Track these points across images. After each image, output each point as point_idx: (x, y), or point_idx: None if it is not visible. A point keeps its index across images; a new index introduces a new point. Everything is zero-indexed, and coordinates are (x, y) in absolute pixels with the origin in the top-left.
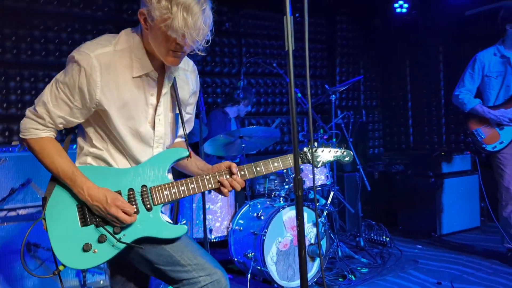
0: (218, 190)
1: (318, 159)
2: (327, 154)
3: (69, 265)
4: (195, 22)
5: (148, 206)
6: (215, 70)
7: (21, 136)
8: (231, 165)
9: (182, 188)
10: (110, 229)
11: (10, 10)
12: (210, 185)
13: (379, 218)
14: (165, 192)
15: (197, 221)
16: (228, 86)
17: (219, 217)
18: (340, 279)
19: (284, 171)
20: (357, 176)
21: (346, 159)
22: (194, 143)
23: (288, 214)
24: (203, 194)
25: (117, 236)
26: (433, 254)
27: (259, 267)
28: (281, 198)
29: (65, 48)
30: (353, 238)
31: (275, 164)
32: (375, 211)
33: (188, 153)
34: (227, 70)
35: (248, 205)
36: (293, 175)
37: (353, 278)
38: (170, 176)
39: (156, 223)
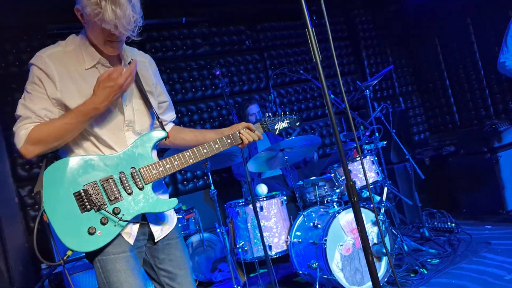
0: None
1: (275, 127)
2: (281, 123)
3: (78, 249)
4: (124, 12)
5: (140, 185)
6: (244, 88)
7: (20, 149)
8: (248, 125)
9: (168, 165)
10: (110, 210)
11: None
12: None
13: (439, 205)
14: (154, 171)
15: (255, 240)
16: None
17: (276, 233)
18: (411, 275)
19: (332, 175)
20: (408, 166)
21: (297, 123)
22: (238, 163)
23: (345, 218)
24: (256, 212)
25: (118, 216)
26: (505, 233)
27: (326, 276)
28: (334, 203)
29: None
30: (416, 230)
31: (228, 141)
32: (433, 198)
33: (165, 133)
34: (255, 86)
35: (302, 216)
36: (342, 178)
37: (425, 272)
38: (155, 157)
39: (150, 200)
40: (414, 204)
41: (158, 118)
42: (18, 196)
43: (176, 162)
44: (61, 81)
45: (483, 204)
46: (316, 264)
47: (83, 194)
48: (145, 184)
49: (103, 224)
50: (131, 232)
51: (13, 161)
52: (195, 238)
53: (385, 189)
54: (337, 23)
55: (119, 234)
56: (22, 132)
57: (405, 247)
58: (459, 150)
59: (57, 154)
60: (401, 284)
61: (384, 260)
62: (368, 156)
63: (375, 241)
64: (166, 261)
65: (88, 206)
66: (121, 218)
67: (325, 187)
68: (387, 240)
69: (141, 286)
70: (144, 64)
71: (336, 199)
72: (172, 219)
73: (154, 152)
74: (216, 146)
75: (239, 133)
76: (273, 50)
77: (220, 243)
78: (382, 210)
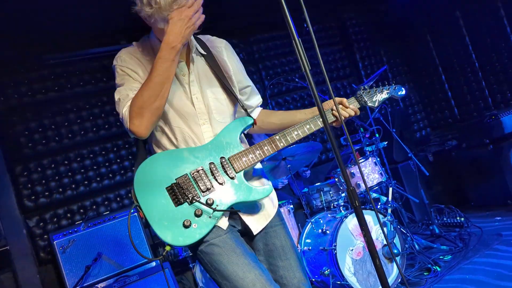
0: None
1: (374, 99)
2: (380, 94)
3: (175, 243)
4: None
5: (232, 175)
6: None
7: (129, 128)
8: (342, 100)
9: (258, 151)
10: (203, 201)
11: (26, 105)
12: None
13: (447, 200)
14: (244, 159)
15: None
16: None
17: None
18: (425, 273)
19: (336, 179)
20: (411, 164)
21: (399, 92)
22: None
23: (353, 221)
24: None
25: (212, 206)
26: None
27: (339, 282)
28: (341, 207)
29: (100, 122)
30: (426, 228)
31: (321, 120)
32: (440, 194)
33: (252, 119)
34: None
35: (310, 223)
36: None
37: (438, 269)
38: (243, 144)
39: (243, 188)
40: (421, 201)
41: (242, 105)
42: (26, 227)
43: (266, 148)
44: (141, 72)
45: (491, 196)
46: (328, 270)
47: (175, 187)
48: (236, 173)
49: (198, 216)
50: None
51: (19, 193)
52: None
53: (390, 189)
54: (328, 28)
55: (215, 226)
56: (124, 111)
57: (416, 246)
58: (461, 144)
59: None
60: (415, 284)
61: (397, 260)
62: (370, 158)
63: (385, 242)
64: (265, 252)
65: (181, 199)
66: (216, 208)
67: (331, 192)
68: (396, 240)
69: (246, 260)
70: (220, 50)
71: (342, 203)
72: (270, 208)
73: (243, 139)
74: (308, 126)
75: (332, 110)
76: (267, 60)
77: None
78: (389, 210)
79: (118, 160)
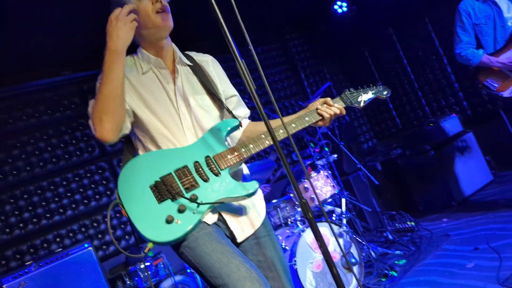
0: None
1: (359, 99)
2: (365, 94)
3: (157, 239)
4: None
5: (216, 171)
6: None
7: (97, 137)
8: (326, 100)
9: (243, 149)
10: (187, 197)
11: None
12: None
13: (397, 206)
14: (229, 156)
15: None
16: None
17: None
18: (383, 279)
19: (292, 195)
20: (361, 174)
21: (385, 92)
22: None
23: (311, 235)
24: None
25: (197, 201)
26: (460, 223)
27: None
28: (298, 222)
29: (46, 156)
30: (380, 235)
31: (306, 119)
32: (391, 201)
33: (238, 121)
34: None
35: None
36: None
37: (395, 274)
38: (229, 144)
39: (228, 184)
40: (374, 210)
41: (230, 112)
42: None
43: (251, 145)
44: (126, 91)
45: (437, 199)
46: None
47: (158, 185)
48: (221, 170)
49: (181, 212)
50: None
51: None
52: (167, 283)
53: (344, 200)
54: (273, 49)
55: (200, 222)
56: (89, 122)
57: (373, 253)
58: (405, 152)
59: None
60: None
61: (355, 269)
62: (322, 171)
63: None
64: (254, 263)
65: (165, 196)
66: (201, 202)
67: (287, 208)
68: (354, 249)
69: (230, 249)
70: (206, 62)
71: (299, 218)
72: (256, 218)
73: (229, 140)
74: (293, 125)
75: (317, 109)
76: None
77: (193, 283)
78: (344, 221)
79: (69, 194)
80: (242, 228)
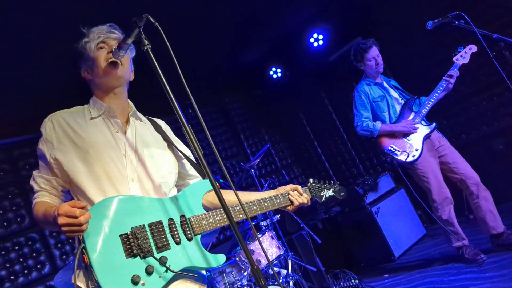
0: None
1: (321, 194)
2: (327, 190)
3: None
4: (97, 28)
5: (189, 236)
6: None
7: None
8: (296, 187)
9: (218, 218)
10: (157, 257)
11: None
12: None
13: (341, 264)
14: (204, 222)
15: None
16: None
17: None
18: None
19: (237, 258)
20: (304, 234)
21: (342, 193)
22: None
23: None
24: None
25: (166, 265)
26: (401, 278)
27: None
28: (245, 287)
29: None
30: None
31: (277, 201)
32: (334, 259)
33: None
34: None
35: None
36: (246, 260)
37: None
38: (204, 208)
39: (198, 253)
40: (318, 269)
41: (189, 161)
42: None
43: (225, 216)
44: (59, 139)
45: (376, 255)
46: None
47: (130, 237)
48: (194, 235)
49: (148, 273)
50: None
51: None
52: None
53: (289, 261)
54: (213, 112)
55: None
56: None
57: None
58: (344, 209)
59: None
60: None
61: None
62: (267, 232)
63: None
64: None
65: (135, 251)
66: (169, 267)
67: (233, 273)
68: None
69: None
70: (160, 124)
71: (246, 283)
72: (201, 280)
73: (203, 204)
74: (266, 204)
75: (288, 194)
76: None
77: None
78: (291, 283)
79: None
80: None
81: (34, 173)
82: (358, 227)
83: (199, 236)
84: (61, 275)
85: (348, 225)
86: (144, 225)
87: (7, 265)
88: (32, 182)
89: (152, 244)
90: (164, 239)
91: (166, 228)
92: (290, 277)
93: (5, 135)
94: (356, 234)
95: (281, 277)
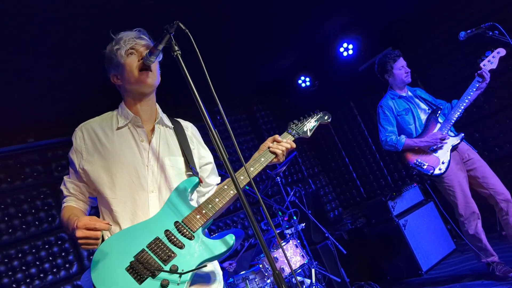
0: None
1: (305, 129)
2: (308, 123)
3: None
4: (125, 33)
5: (189, 235)
6: None
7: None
8: (274, 137)
9: (210, 205)
10: (167, 269)
11: None
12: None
13: (365, 276)
14: (198, 216)
15: None
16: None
17: None
18: None
19: (260, 266)
20: (329, 243)
21: (326, 117)
22: None
23: None
24: None
25: (178, 271)
26: None
27: None
28: None
29: (3, 226)
30: None
31: (262, 159)
32: (359, 271)
33: (197, 178)
34: None
35: None
36: (269, 267)
37: None
38: (194, 204)
39: (205, 245)
40: (343, 280)
41: (197, 175)
42: None
43: (216, 199)
44: (87, 149)
45: (403, 268)
46: None
47: (134, 265)
48: (194, 232)
49: (164, 287)
50: None
51: None
52: None
53: (313, 270)
54: (241, 119)
55: None
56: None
57: None
58: (370, 221)
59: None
60: None
61: None
62: (291, 240)
63: None
64: None
65: (144, 275)
66: (182, 272)
67: (256, 280)
68: None
69: None
70: (187, 128)
71: None
72: (216, 282)
73: (193, 200)
74: (252, 169)
75: (269, 148)
76: None
77: None
78: None
79: (24, 268)
80: None
81: (65, 178)
82: (385, 239)
83: (200, 230)
84: (88, 275)
85: (374, 236)
86: (143, 248)
87: (37, 263)
88: (62, 187)
89: (157, 260)
90: (167, 251)
91: (165, 240)
92: (314, 287)
93: (40, 137)
94: (382, 246)
95: (304, 287)
